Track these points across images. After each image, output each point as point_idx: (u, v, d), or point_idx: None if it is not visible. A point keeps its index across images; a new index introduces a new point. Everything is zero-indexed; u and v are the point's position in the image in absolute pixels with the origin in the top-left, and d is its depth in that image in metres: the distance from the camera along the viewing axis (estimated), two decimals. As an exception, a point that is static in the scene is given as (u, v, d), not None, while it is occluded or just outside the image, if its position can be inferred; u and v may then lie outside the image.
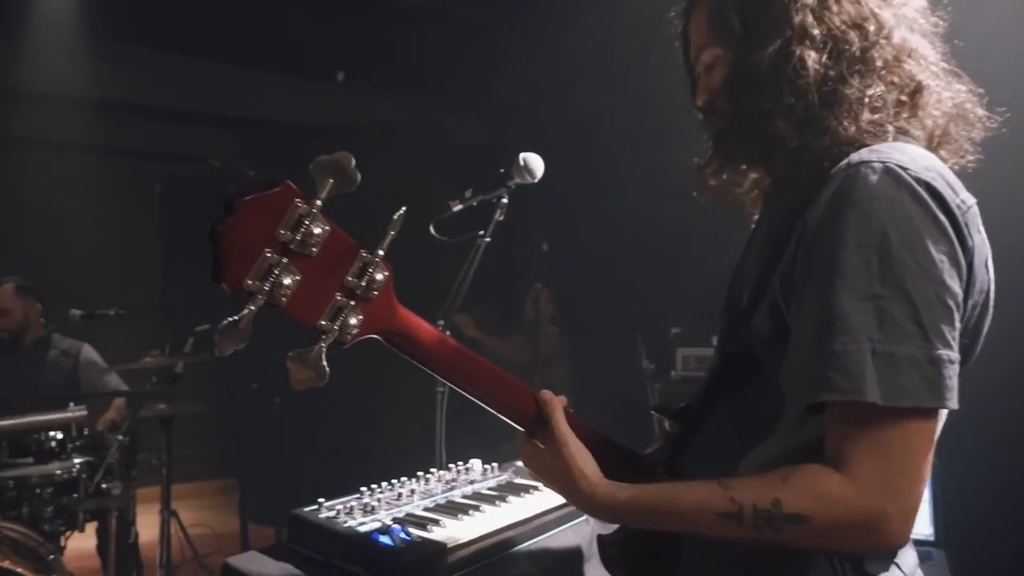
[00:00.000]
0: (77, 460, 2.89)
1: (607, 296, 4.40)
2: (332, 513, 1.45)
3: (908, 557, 1.02)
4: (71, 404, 2.93)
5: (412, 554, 1.30)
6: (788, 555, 0.96)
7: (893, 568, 0.98)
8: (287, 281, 0.84)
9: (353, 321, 0.89)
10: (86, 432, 2.97)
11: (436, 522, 1.43)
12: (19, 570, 2.47)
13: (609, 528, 1.30)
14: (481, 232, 1.71)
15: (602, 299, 4.47)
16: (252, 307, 0.83)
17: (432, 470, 1.73)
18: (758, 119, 1.02)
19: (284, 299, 0.85)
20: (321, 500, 1.49)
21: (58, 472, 2.91)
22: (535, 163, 1.69)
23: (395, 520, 1.43)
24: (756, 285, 1.01)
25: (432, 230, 1.59)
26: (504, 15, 4.37)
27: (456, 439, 2.00)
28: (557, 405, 1.08)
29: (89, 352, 3.67)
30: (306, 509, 1.48)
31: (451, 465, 1.77)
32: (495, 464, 1.84)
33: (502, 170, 1.67)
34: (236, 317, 0.81)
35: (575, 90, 4.32)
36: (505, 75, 4.36)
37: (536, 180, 1.69)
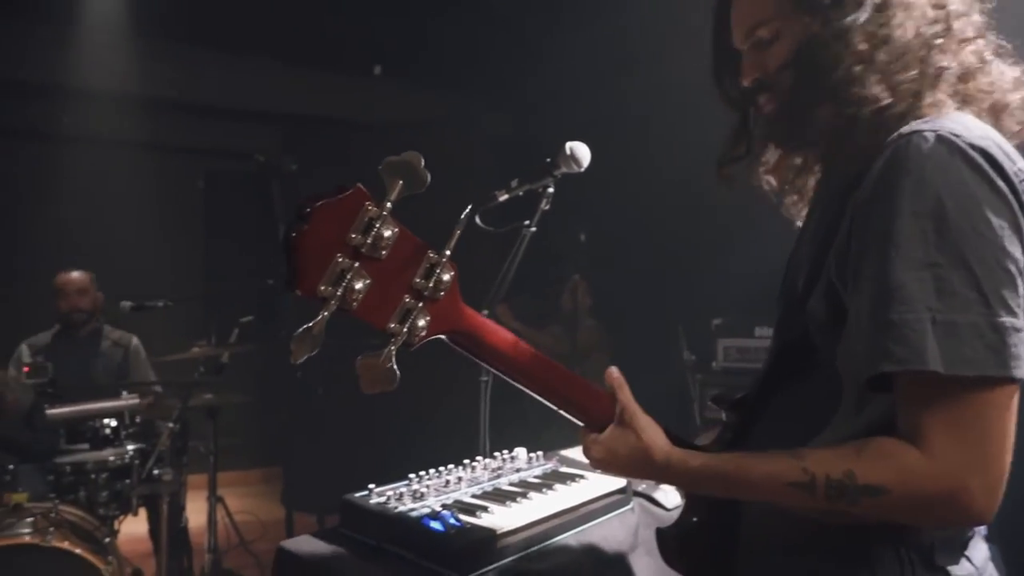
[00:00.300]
0: (130, 447, 2.98)
1: (647, 287, 4.38)
2: (383, 499, 1.48)
3: (979, 551, 1.00)
4: (124, 393, 3.02)
5: (462, 539, 1.32)
6: (853, 546, 0.95)
7: (963, 562, 0.96)
8: (358, 285, 0.84)
9: (421, 323, 0.90)
10: (138, 420, 3.06)
11: (484, 509, 1.45)
12: (78, 551, 2.57)
13: (667, 521, 1.30)
14: (527, 222, 1.72)
15: (642, 290, 4.44)
16: (325, 313, 0.83)
17: (478, 458, 1.74)
18: (827, 93, 0.97)
19: (355, 304, 0.85)
20: (372, 486, 1.52)
21: (112, 458, 3.00)
22: (581, 152, 1.70)
23: (444, 506, 1.45)
24: (810, 269, 1.00)
25: (478, 220, 1.60)
26: (541, 5, 4.35)
27: (497, 428, 2.02)
28: (624, 381, 1.11)
29: (138, 343, 3.78)
30: (357, 495, 1.51)
31: (496, 453, 1.79)
32: (540, 452, 1.85)
33: (548, 159, 1.68)
34: (310, 324, 0.82)
35: (614, 79, 4.29)
36: (542, 66, 4.36)
37: (582, 169, 1.70)
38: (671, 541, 1.24)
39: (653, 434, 1.07)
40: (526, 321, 4.46)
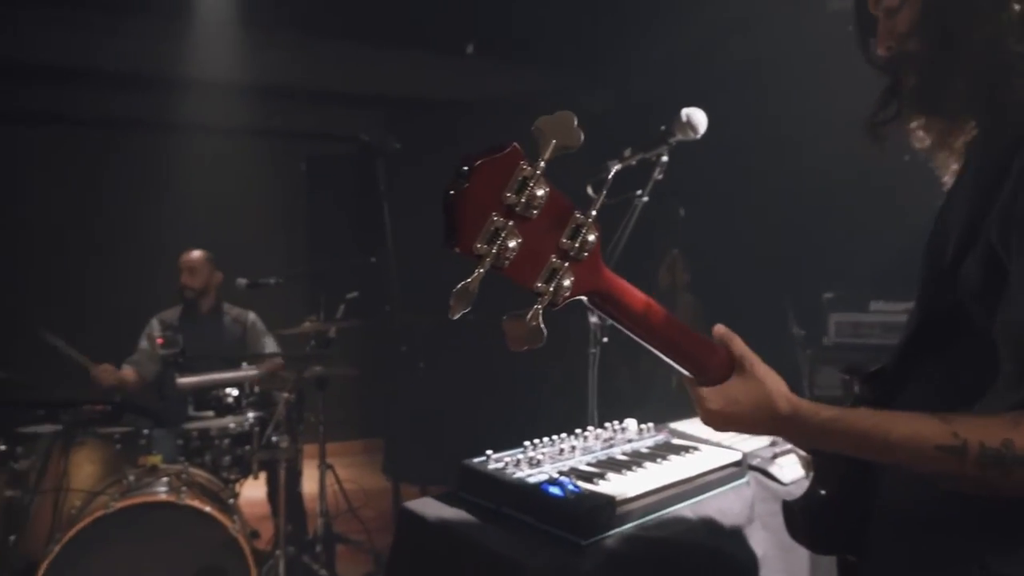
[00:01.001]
0: (251, 415, 3.15)
1: (750, 260, 4.25)
2: (500, 464, 1.51)
3: None
4: (244, 364, 3.21)
5: (582, 505, 1.33)
6: (1002, 529, 0.91)
7: None
8: (512, 244, 0.85)
9: (566, 283, 0.90)
10: (257, 390, 3.24)
11: (602, 476, 1.46)
12: (207, 509, 2.75)
13: (795, 494, 1.27)
14: (639, 192, 1.70)
15: (745, 264, 4.31)
16: (481, 270, 0.84)
17: (589, 428, 1.76)
18: (962, 58, 0.94)
19: (507, 262, 0.86)
20: (489, 452, 1.56)
21: (233, 425, 3.19)
22: (698, 118, 1.65)
23: (560, 473, 1.47)
24: (963, 233, 0.94)
25: (589, 191, 1.59)
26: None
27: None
28: (734, 334, 1.08)
29: (255, 319, 3.99)
30: (475, 460, 1.55)
31: (606, 424, 1.80)
32: (650, 424, 1.84)
33: (663, 127, 1.65)
34: (468, 280, 0.83)
35: (715, 50, 4.16)
36: (642, 39, 4.27)
37: (699, 136, 1.66)
38: (798, 515, 1.21)
39: (776, 382, 1.03)
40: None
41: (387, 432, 5.48)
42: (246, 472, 3.31)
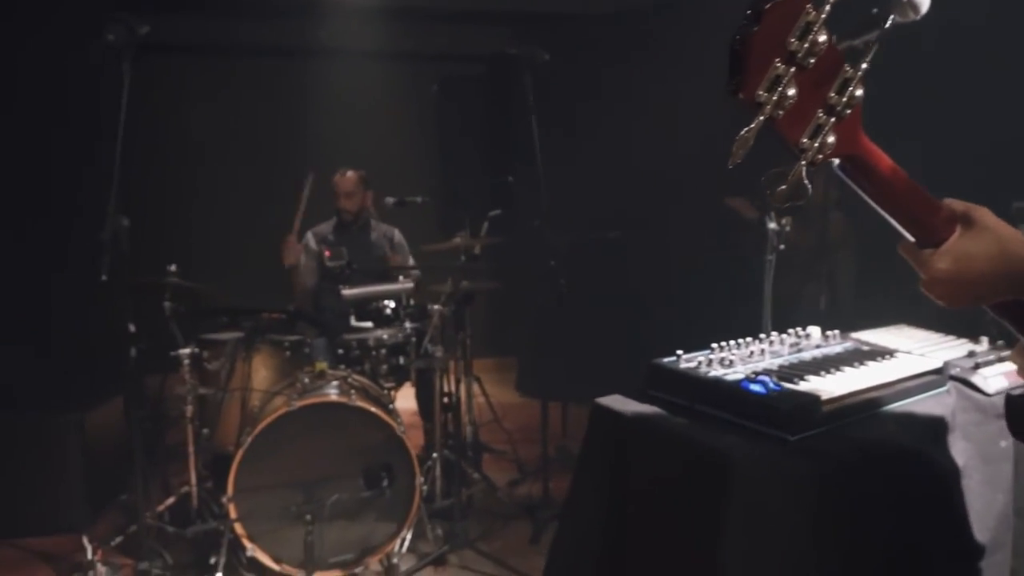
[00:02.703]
0: (407, 326, 3.31)
1: (911, 172, 3.94)
2: (693, 364, 1.51)
3: None
4: (400, 277, 3.35)
5: (787, 402, 1.32)
6: None
7: None
8: (790, 92, 0.81)
9: (830, 140, 0.87)
10: (412, 302, 3.38)
11: (800, 377, 1.44)
12: (373, 410, 2.95)
13: (987, 408, 1.20)
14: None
15: (913, 174, 4.01)
16: (761, 118, 0.81)
17: (773, 333, 1.72)
18: None
19: (781, 113, 0.82)
20: (680, 352, 1.56)
21: (386, 336, 3.36)
22: (922, -7, 1.49)
23: (755, 373, 1.46)
24: None
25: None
26: None
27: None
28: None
29: (400, 235, 4.14)
30: (665, 360, 1.56)
31: (789, 330, 1.75)
32: (836, 331, 1.79)
33: (875, 10, 1.51)
34: (747, 129, 0.80)
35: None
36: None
37: (919, 16, 1.51)
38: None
39: (1010, 228, 0.93)
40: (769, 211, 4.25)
41: (523, 350, 5.62)
42: (401, 380, 3.50)
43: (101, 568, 2.91)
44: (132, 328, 2.77)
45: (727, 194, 4.21)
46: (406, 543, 3.11)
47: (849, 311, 4.30)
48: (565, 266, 3.57)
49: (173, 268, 3.20)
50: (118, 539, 3.14)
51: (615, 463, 1.51)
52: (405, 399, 3.91)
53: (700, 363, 1.51)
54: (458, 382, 3.61)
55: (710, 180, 4.40)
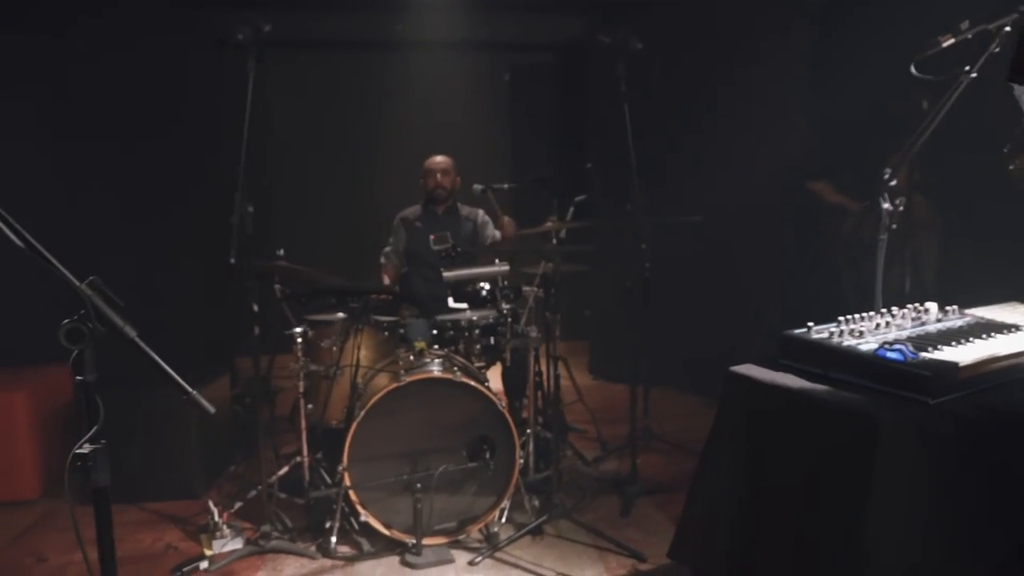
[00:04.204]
0: (504, 307, 3.44)
1: (993, 156, 3.89)
2: (825, 335, 1.61)
3: None
4: (496, 260, 3.49)
5: (927, 368, 1.41)
6: None
7: None
8: None
9: None
10: (506, 283, 3.51)
11: (933, 347, 1.52)
12: (472, 383, 3.10)
13: None
14: (967, 67, 1.64)
15: (986, 160, 3.97)
16: None
17: (893, 308, 1.80)
18: None
19: None
20: (810, 324, 1.66)
21: (477, 317, 3.48)
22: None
23: (888, 343, 1.54)
24: None
25: (913, 70, 1.56)
26: None
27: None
28: None
29: (484, 216, 4.27)
30: (797, 331, 1.65)
31: (908, 305, 1.83)
32: (955, 307, 1.85)
33: (1014, -7, 1.57)
34: None
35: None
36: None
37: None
38: None
39: None
40: (851, 196, 4.27)
41: (597, 333, 5.72)
42: (494, 360, 3.64)
43: (227, 529, 3.15)
44: (255, 308, 2.97)
45: (810, 178, 4.23)
46: (505, 514, 3.27)
47: (932, 293, 4.29)
48: (650, 250, 3.66)
49: (281, 252, 3.41)
50: (238, 504, 3.37)
51: (750, 427, 1.61)
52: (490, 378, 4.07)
53: (832, 334, 1.60)
54: (549, 362, 3.74)
55: (792, 164, 4.44)
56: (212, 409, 1.42)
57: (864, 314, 1.74)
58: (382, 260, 4.23)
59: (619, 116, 3.34)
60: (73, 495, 1.33)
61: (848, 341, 1.56)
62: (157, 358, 1.32)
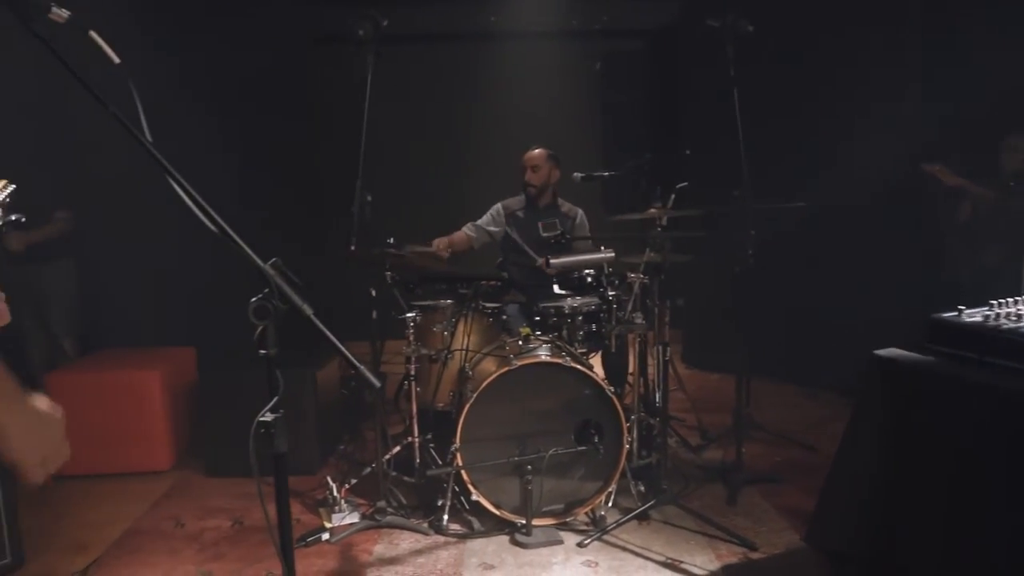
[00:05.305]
0: (609, 294, 3.46)
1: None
2: (978, 319, 1.57)
3: None
4: (602, 248, 3.51)
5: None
6: None
7: None
8: None
9: None
10: (610, 270, 3.53)
11: (1101, 331, 1.46)
12: (581, 368, 3.15)
13: None
14: None
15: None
16: None
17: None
18: None
19: None
20: (961, 307, 1.62)
21: (577, 304, 3.49)
22: None
23: (1048, 328, 1.49)
24: None
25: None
26: None
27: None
28: None
29: (583, 216, 4.29)
30: (947, 315, 1.62)
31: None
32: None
33: None
34: None
35: None
36: None
37: None
38: None
39: None
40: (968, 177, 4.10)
41: (692, 322, 5.65)
42: (596, 346, 3.66)
43: (344, 504, 3.31)
44: (373, 293, 3.10)
45: (923, 161, 4.07)
46: (612, 498, 3.30)
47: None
48: (757, 242, 3.62)
49: (391, 240, 3.52)
50: (352, 481, 3.53)
51: (897, 412, 1.60)
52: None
53: (987, 318, 1.56)
54: (656, 349, 3.74)
55: (902, 147, 4.28)
56: (378, 383, 1.51)
57: (1016, 298, 1.68)
58: (464, 229, 4.27)
59: (725, 101, 3.30)
60: (255, 459, 1.44)
61: (1007, 324, 1.52)
62: (330, 335, 1.41)
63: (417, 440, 3.44)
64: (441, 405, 3.59)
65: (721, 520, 3.14)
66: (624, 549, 3.02)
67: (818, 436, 4.16)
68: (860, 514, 1.60)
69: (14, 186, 1.52)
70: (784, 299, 4.74)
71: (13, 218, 1.41)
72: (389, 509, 3.26)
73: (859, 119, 4.47)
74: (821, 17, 4.73)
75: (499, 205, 4.28)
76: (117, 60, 1.40)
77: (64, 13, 1.30)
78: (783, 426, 4.26)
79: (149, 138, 1.34)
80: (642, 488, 3.38)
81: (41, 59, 1.23)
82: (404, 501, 3.36)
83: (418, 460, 3.45)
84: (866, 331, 4.41)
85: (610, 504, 3.31)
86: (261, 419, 1.43)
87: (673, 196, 3.88)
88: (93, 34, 1.37)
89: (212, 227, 1.36)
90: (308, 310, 1.40)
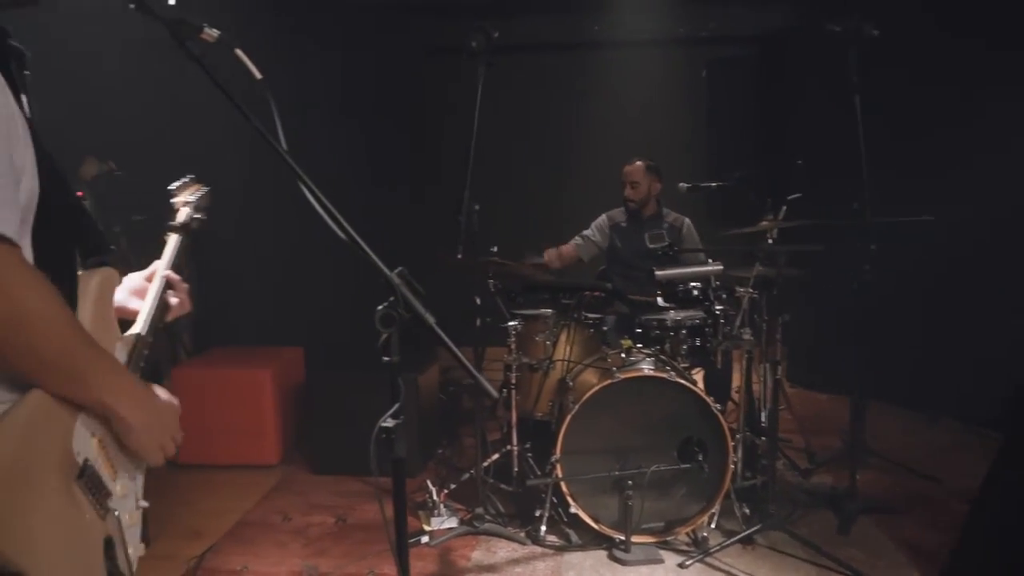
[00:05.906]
0: (714, 308, 3.37)
1: None
2: None
3: None
4: (709, 260, 3.42)
5: None
6: None
7: None
8: None
9: None
10: (718, 283, 3.43)
11: None
12: (685, 384, 3.06)
13: None
14: None
15: None
16: None
17: None
18: None
19: None
20: None
21: (681, 318, 3.40)
22: None
23: None
24: None
25: None
26: None
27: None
28: None
29: (690, 225, 4.20)
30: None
31: None
32: None
33: None
34: None
35: None
36: None
37: None
38: None
39: None
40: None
41: (799, 339, 5.43)
42: (700, 361, 3.56)
43: (443, 508, 3.35)
44: (478, 301, 3.13)
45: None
46: (715, 519, 3.20)
47: None
48: (871, 259, 3.43)
49: (495, 249, 3.55)
50: (452, 486, 3.57)
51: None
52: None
53: None
54: (765, 366, 3.60)
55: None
56: (495, 394, 1.51)
57: None
58: (572, 241, 4.26)
59: (846, 109, 3.15)
60: (376, 463, 1.48)
61: None
62: (451, 344, 1.42)
63: (516, 449, 3.45)
64: (540, 415, 3.58)
65: (832, 550, 2.98)
66: (728, 573, 2.92)
67: (940, 466, 3.89)
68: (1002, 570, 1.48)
69: (207, 188, 1.68)
70: (904, 318, 4.48)
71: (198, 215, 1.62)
72: (487, 516, 3.28)
73: (996, 128, 4.17)
74: (948, 20, 4.45)
75: (604, 216, 4.25)
76: (259, 76, 1.47)
77: (215, 32, 1.37)
78: (903, 455, 4.01)
79: (285, 147, 1.39)
80: (747, 511, 3.25)
81: (183, 71, 1.30)
82: (501, 509, 3.37)
83: (516, 469, 3.45)
84: (996, 356, 4.10)
85: (713, 525, 3.21)
86: (383, 424, 1.46)
87: (784, 208, 3.74)
88: (239, 52, 1.44)
89: (342, 235, 1.40)
90: (431, 319, 1.42)
